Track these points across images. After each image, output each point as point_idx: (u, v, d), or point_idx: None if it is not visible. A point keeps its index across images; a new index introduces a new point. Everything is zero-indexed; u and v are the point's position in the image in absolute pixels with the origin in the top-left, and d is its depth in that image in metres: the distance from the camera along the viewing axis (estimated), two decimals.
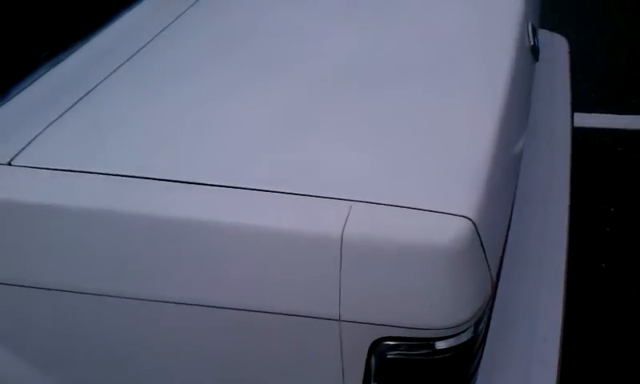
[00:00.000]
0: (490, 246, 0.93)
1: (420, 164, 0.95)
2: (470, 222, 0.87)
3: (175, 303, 0.94)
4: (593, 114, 2.99)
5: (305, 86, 1.13)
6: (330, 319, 0.90)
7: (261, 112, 1.07)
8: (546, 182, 1.50)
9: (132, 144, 1.03)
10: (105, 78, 1.20)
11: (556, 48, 2.09)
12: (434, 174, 0.93)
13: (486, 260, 0.91)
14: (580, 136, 2.82)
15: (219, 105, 1.10)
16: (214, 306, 0.93)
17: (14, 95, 1.16)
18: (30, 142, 1.06)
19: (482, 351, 1.00)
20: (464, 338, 0.91)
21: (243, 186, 0.93)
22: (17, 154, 1.03)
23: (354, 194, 0.91)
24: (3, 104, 1.14)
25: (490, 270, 0.92)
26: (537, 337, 1.15)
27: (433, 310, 0.88)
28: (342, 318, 0.90)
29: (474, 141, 0.99)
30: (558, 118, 1.74)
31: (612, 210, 2.41)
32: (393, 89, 1.11)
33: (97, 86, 1.18)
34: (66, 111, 1.12)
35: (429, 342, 0.90)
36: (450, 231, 0.86)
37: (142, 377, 1.03)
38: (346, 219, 0.88)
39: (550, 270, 1.27)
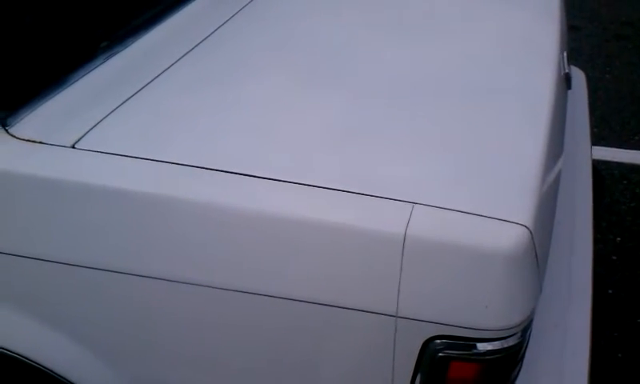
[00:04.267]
0: (541, 255, 0.97)
1: (478, 172, 0.99)
2: (527, 231, 0.91)
3: (236, 291, 0.97)
4: (598, 147, 3.07)
5: (362, 94, 1.18)
6: (386, 315, 0.93)
7: (322, 115, 1.11)
8: (571, 203, 1.55)
9: (193, 135, 1.06)
10: (163, 71, 1.23)
11: (575, 80, 2.15)
12: (491, 183, 0.97)
13: (538, 268, 0.95)
14: None
15: (279, 106, 1.14)
16: (275, 297, 0.96)
17: (75, 81, 1.19)
18: (92, 127, 1.08)
19: (523, 360, 1.03)
20: (512, 341, 0.95)
21: (309, 183, 0.97)
22: (80, 138, 1.06)
23: (415, 197, 0.94)
24: (65, 89, 1.16)
25: (539, 278, 0.96)
26: (566, 351, 1.19)
27: (487, 311, 0.91)
28: (398, 315, 0.93)
29: (528, 154, 1.04)
30: (579, 146, 1.80)
31: (618, 239, 2.48)
32: (447, 103, 1.15)
33: (156, 77, 1.21)
34: (127, 100, 1.15)
35: (479, 343, 0.94)
36: (508, 237, 0.90)
37: (197, 363, 1.06)
38: (409, 220, 0.92)
39: (579, 286, 1.31)
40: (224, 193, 0.96)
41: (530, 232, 0.92)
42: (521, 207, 0.94)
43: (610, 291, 2.24)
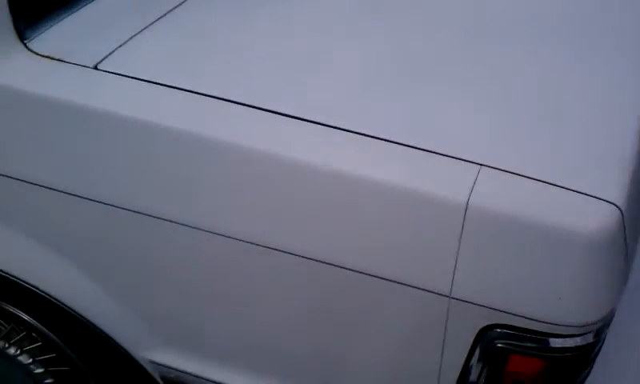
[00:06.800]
0: (631, 241, 0.81)
1: (562, 135, 0.83)
2: (618, 211, 0.75)
3: (275, 250, 0.84)
4: None
5: (426, 35, 1.02)
6: (439, 294, 0.79)
7: (372, 56, 0.96)
8: None
9: (225, 64, 0.94)
10: None
11: None
12: (577, 151, 0.81)
13: (626, 256, 0.79)
14: None
15: (320, 41, 0.99)
16: (310, 258, 0.83)
17: None
18: (117, 48, 0.97)
19: (595, 360, 0.88)
20: (584, 341, 0.80)
21: (358, 131, 0.82)
22: (103, 59, 0.95)
23: (484, 158, 0.79)
24: (90, 4, 1.05)
25: (626, 268, 0.80)
26: None
27: (560, 303, 0.76)
28: (452, 295, 0.79)
29: (625, 122, 0.86)
30: None
31: None
32: (538, 46, 1.00)
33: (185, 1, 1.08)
34: (157, 20, 1.03)
35: (545, 338, 0.79)
36: (596, 217, 0.75)
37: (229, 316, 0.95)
38: (474, 185, 0.77)
39: None
40: (255, 134, 0.83)
41: (621, 212, 0.76)
42: (611, 182, 0.77)
43: None
